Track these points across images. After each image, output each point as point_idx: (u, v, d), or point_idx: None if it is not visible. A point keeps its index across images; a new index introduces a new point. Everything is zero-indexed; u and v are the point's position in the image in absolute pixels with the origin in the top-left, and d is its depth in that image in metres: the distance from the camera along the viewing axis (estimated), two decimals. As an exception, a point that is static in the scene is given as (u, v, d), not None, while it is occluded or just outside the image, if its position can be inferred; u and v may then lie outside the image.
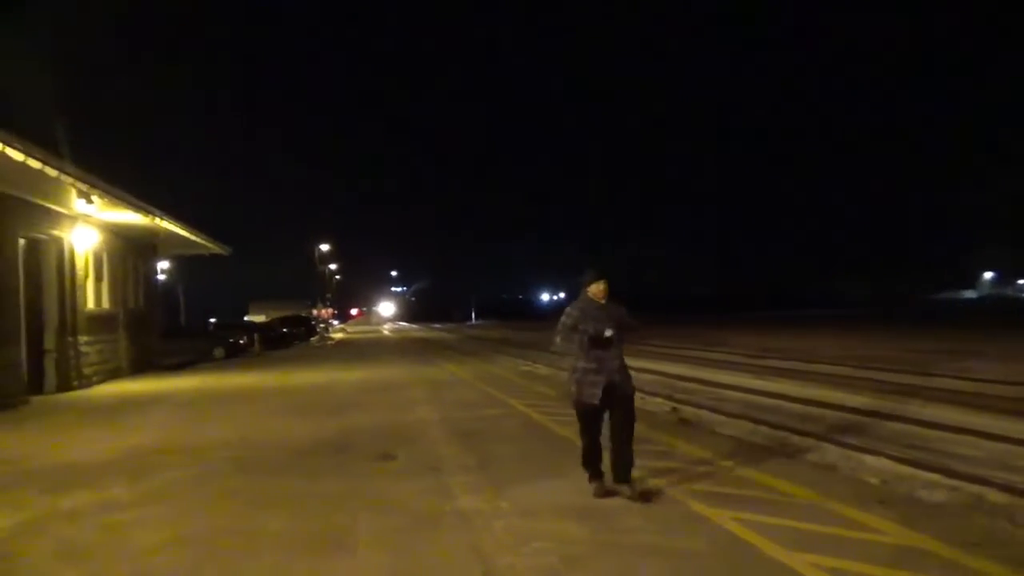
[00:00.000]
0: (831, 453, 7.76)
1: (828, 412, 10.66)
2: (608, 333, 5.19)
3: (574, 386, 5.36)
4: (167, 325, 25.10)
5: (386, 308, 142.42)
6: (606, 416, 5.49)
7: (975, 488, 6.22)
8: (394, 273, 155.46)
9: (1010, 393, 11.88)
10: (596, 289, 5.41)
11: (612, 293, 5.43)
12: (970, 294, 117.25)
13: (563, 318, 5.45)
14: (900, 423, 9.61)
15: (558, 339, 5.47)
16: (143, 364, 20.00)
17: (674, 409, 11.04)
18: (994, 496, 6.00)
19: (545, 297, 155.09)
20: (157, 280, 24.00)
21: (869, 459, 7.42)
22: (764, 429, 9.31)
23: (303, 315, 55.27)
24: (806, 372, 16.52)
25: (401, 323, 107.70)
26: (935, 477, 6.59)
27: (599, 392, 5.22)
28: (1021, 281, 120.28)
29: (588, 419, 5.39)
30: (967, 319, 46.02)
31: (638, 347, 22.94)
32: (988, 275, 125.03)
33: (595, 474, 5.49)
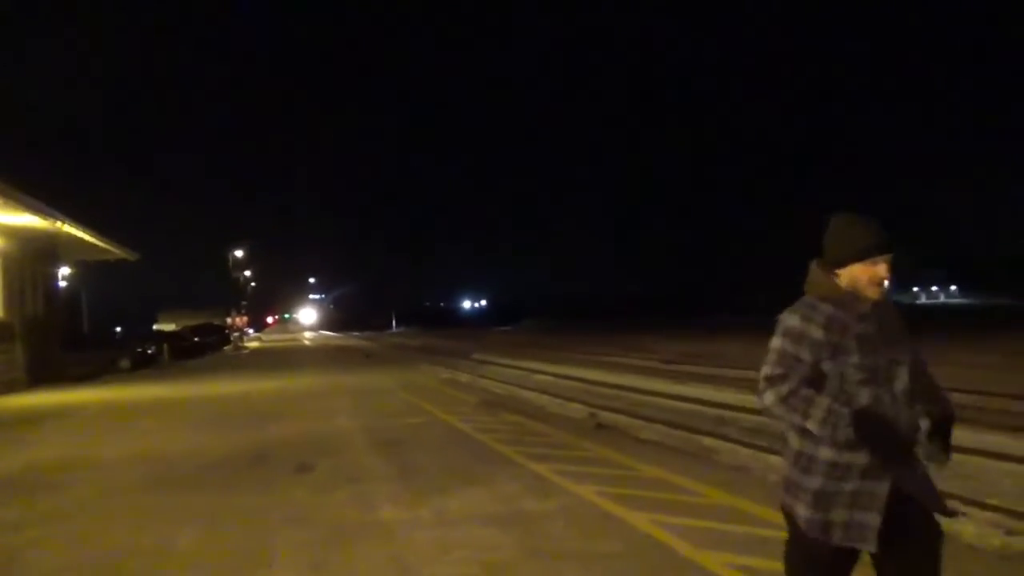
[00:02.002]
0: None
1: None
2: None
3: (807, 503, 2.28)
4: (69, 334, 23.84)
5: (307, 315, 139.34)
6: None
7: None
8: (312, 280, 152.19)
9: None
10: (868, 273, 2.31)
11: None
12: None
13: (781, 342, 2.33)
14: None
15: (771, 396, 2.30)
16: (42, 375, 18.96)
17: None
18: None
19: (466, 304, 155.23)
20: (58, 287, 22.79)
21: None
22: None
23: (216, 323, 53.68)
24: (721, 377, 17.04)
25: (322, 331, 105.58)
26: None
27: (876, 521, 2.21)
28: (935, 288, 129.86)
29: (826, 570, 2.32)
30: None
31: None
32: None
33: None
